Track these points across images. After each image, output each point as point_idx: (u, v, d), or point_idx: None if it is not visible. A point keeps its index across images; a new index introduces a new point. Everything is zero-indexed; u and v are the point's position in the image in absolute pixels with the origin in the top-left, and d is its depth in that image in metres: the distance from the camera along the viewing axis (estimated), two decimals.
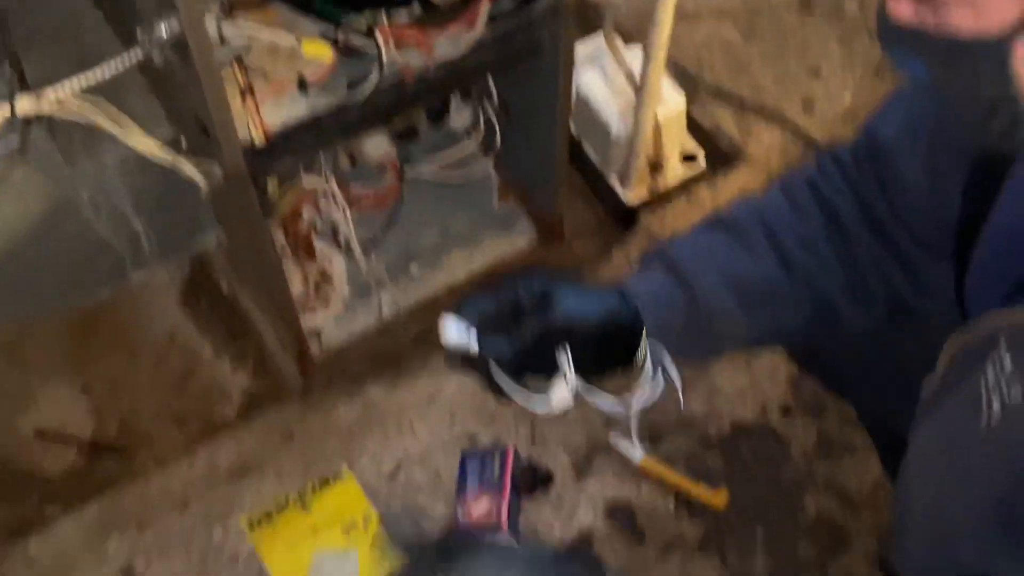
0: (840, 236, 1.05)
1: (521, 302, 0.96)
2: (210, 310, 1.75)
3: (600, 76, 1.78)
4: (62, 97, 1.15)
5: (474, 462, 1.54)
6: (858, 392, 1.32)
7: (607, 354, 0.97)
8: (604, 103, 1.77)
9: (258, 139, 1.23)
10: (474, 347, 0.95)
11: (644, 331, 0.96)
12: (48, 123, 1.30)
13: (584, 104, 1.78)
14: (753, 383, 1.63)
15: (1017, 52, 0.70)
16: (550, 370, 0.95)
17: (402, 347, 1.68)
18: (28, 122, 1.21)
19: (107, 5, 1.40)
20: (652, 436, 1.58)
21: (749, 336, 1.07)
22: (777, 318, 1.06)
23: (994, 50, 0.70)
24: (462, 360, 0.98)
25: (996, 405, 0.79)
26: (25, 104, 1.13)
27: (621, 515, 1.53)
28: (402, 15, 1.23)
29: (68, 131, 1.33)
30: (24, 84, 1.17)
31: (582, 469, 1.57)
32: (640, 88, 1.64)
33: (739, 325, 1.04)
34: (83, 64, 1.18)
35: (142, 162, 1.36)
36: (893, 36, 0.76)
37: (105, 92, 1.20)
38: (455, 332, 0.95)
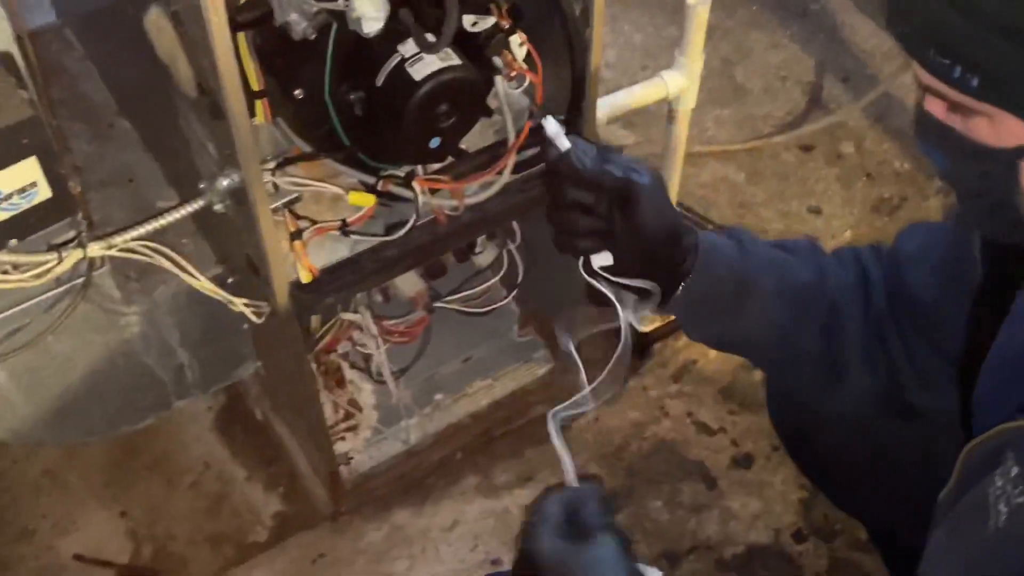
0: (866, 295, 1.10)
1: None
2: (244, 436, 1.79)
3: None
4: (129, 243, 1.21)
5: None
6: (862, 502, 1.33)
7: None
8: None
9: (304, 278, 1.28)
10: (565, 143, 1.04)
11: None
12: (112, 265, 1.37)
13: None
14: (766, 508, 1.65)
15: (1023, 167, 0.76)
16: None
17: (427, 472, 1.70)
18: (94, 265, 1.26)
19: (166, 159, 1.49)
20: (669, 559, 1.59)
21: (768, 333, 1.11)
22: (799, 327, 1.10)
23: (1004, 160, 0.76)
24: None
25: (1003, 507, 0.80)
26: (95, 249, 1.19)
27: None
28: (436, 166, 1.29)
29: (126, 270, 1.40)
30: (93, 230, 1.22)
31: None
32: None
33: (767, 312, 1.09)
34: (142, 210, 1.26)
35: (191, 298, 1.43)
36: (924, 127, 0.81)
37: (160, 233, 1.24)
38: (555, 126, 1.06)
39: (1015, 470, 0.80)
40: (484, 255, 1.60)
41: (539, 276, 1.65)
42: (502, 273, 1.63)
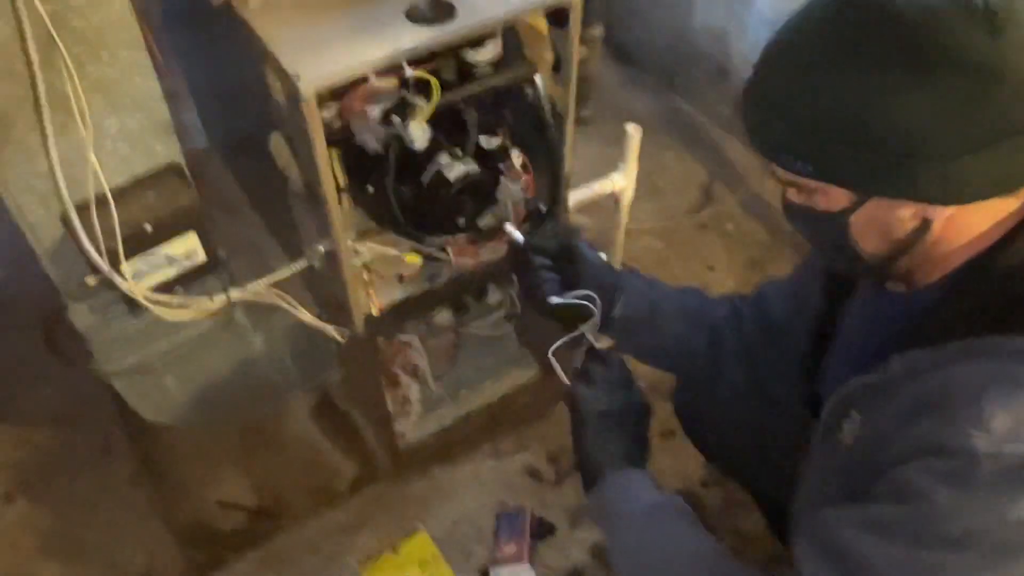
0: (738, 320, 1.08)
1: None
2: (330, 420, 1.73)
3: None
4: (259, 289, 1.21)
5: (504, 519, 1.53)
6: (741, 468, 1.29)
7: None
8: None
9: (374, 312, 1.27)
10: (519, 237, 1.06)
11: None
12: (245, 306, 1.36)
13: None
14: (681, 465, 1.61)
15: (851, 220, 0.75)
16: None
17: (456, 444, 1.67)
18: (233, 304, 1.25)
19: (279, 231, 1.47)
20: None
21: (673, 342, 1.08)
22: (693, 338, 1.08)
23: (839, 218, 0.75)
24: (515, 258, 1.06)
25: (849, 439, 0.81)
26: (235, 293, 1.19)
27: (602, 554, 1.51)
28: (462, 237, 1.28)
29: (255, 308, 1.38)
30: (234, 281, 1.23)
31: (575, 523, 1.56)
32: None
33: (671, 327, 1.07)
34: (266, 269, 1.25)
35: (297, 327, 1.41)
36: (788, 210, 0.80)
37: (278, 284, 1.25)
38: (511, 227, 1.07)
39: (857, 417, 0.81)
40: (493, 296, 1.58)
41: (530, 312, 1.62)
42: (506, 309, 1.62)
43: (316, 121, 0.98)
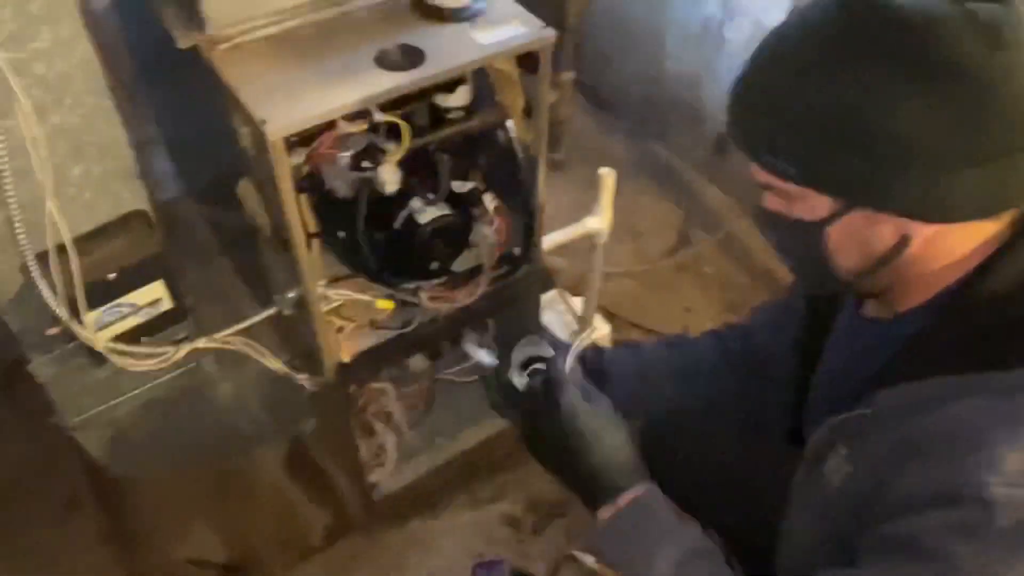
0: (724, 350, 1.07)
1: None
2: (303, 471, 1.68)
3: (555, 314, 1.81)
4: (226, 337, 1.18)
5: (481, 571, 1.46)
6: (719, 512, 1.23)
7: None
8: (558, 330, 1.78)
9: (346, 359, 1.24)
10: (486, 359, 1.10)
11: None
12: (214, 354, 1.32)
13: (546, 331, 1.82)
14: None
15: (828, 231, 0.73)
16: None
17: (432, 494, 1.64)
18: (201, 353, 1.23)
19: (249, 278, 1.45)
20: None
21: (664, 405, 1.06)
22: (683, 391, 1.07)
23: (816, 228, 0.73)
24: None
25: (835, 479, 0.77)
26: (201, 342, 1.16)
27: None
28: (434, 282, 1.25)
29: (225, 356, 1.35)
30: (202, 329, 1.20)
31: (554, 573, 1.53)
32: (581, 320, 1.70)
33: (661, 382, 1.06)
34: (235, 316, 1.22)
35: (267, 375, 1.39)
36: (763, 218, 0.78)
37: (246, 332, 1.22)
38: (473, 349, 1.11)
39: (843, 451, 0.77)
40: (468, 340, 1.54)
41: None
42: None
43: (284, 166, 0.96)
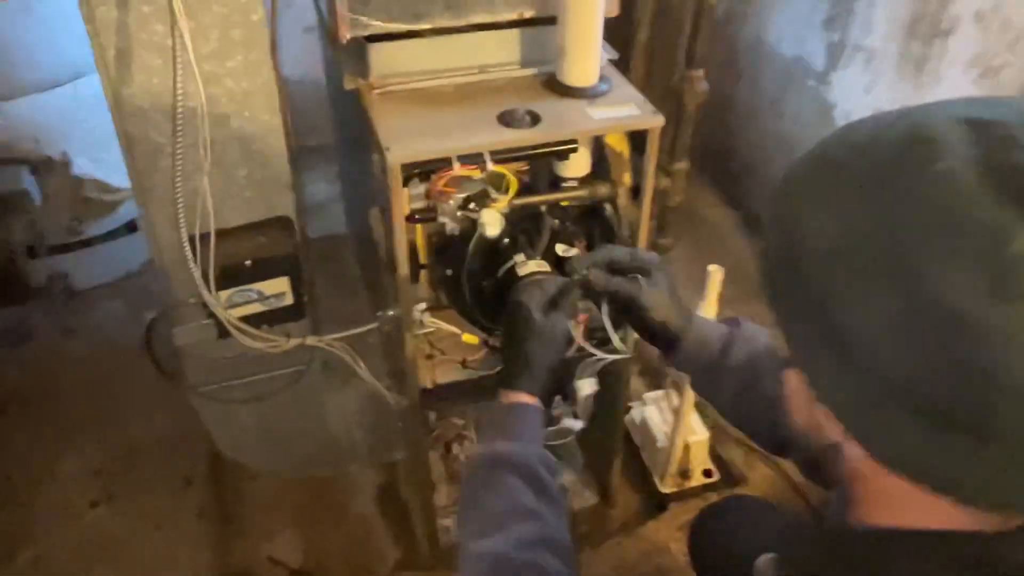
0: None
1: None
2: (389, 504, 1.77)
3: (658, 411, 1.83)
4: (332, 341, 1.31)
5: None
6: None
7: None
8: (657, 428, 1.80)
9: (429, 384, 1.32)
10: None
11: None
12: (323, 360, 1.48)
13: (645, 426, 1.82)
14: None
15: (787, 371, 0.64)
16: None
17: None
18: (314, 352, 1.36)
19: (366, 295, 1.59)
20: None
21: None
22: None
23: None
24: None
25: None
26: (310, 340, 1.31)
27: None
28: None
29: (333, 372, 1.49)
30: (316, 329, 1.34)
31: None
32: (677, 423, 1.70)
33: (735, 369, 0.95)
34: (346, 324, 1.36)
35: (369, 400, 1.51)
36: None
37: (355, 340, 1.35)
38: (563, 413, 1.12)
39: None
40: (557, 407, 1.59)
41: (593, 435, 1.60)
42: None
43: (399, 191, 1.11)
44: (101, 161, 2.04)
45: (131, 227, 2.18)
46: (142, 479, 1.80)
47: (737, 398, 0.95)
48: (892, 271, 0.48)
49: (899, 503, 0.56)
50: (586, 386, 1.16)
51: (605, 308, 1.00)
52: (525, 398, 0.95)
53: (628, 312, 0.97)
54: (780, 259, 0.56)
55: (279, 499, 1.77)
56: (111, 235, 2.15)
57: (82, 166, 2.01)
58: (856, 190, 0.51)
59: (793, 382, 0.62)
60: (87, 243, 2.13)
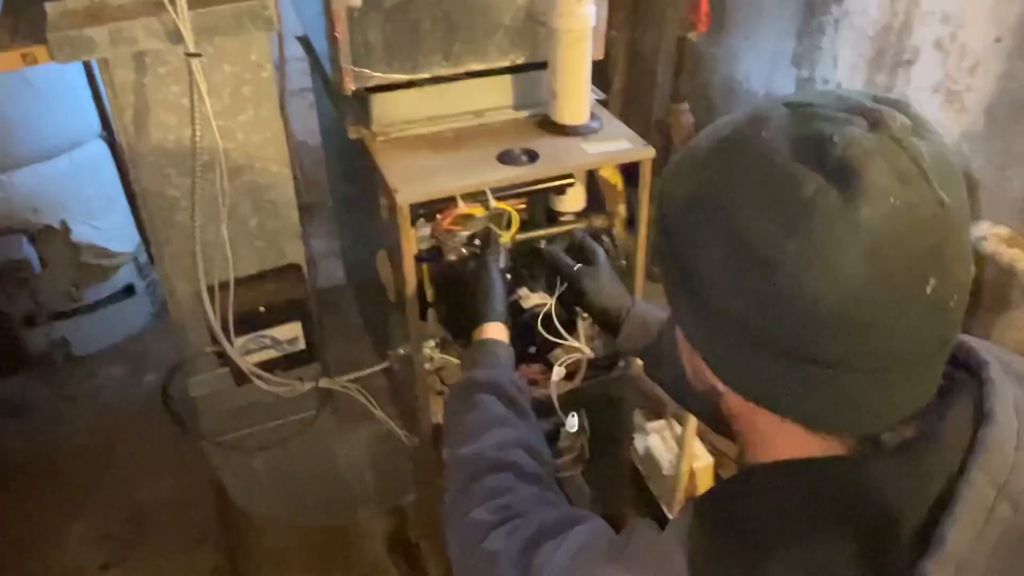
0: None
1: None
2: (402, 551, 1.78)
3: (660, 440, 1.85)
4: (345, 383, 1.34)
5: None
6: None
7: None
8: (662, 456, 1.82)
9: (441, 420, 1.34)
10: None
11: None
12: (332, 405, 1.50)
13: (649, 455, 1.84)
14: None
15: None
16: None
17: None
18: (324, 397, 1.40)
19: (375, 336, 1.62)
20: None
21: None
22: None
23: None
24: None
25: None
26: (323, 382, 1.34)
27: None
28: (534, 367, 1.34)
29: (344, 417, 1.52)
30: (326, 372, 1.37)
31: None
32: (681, 450, 1.73)
33: None
34: (357, 366, 1.39)
35: (380, 443, 1.52)
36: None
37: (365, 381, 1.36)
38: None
39: None
40: (565, 440, 1.61)
41: (600, 465, 1.62)
42: (575, 452, 1.61)
43: (407, 228, 1.16)
44: (99, 228, 2.08)
45: (128, 290, 2.21)
46: (154, 540, 1.80)
47: (676, 378, 1.00)
48: (721, 220, 0.56)
49: (771, 439, 0.62)
50: (571, 425, 1.23)
51: (557, 292, 1.17)
52: (492, 331, 1.05)
53: (578, 299, 1.13)
54: (655, 227, 0.64)
55: (292, 551, 1.77)
56: (110, 300, 2.17)
57: (81, 233, 2.05)
58: (703, 159, 0.60)
59: (680, 338, 0.67)
60: (86, 309, 2.15)
